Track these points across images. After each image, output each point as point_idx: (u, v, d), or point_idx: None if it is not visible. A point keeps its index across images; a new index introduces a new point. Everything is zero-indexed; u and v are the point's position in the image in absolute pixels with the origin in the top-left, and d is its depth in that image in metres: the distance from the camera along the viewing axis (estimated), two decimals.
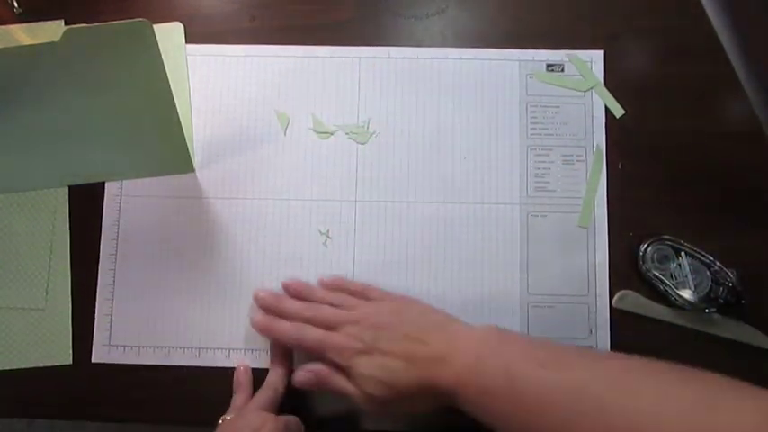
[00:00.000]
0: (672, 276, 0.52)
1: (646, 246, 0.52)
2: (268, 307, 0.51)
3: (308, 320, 0.47)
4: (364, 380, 0.44)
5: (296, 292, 0.51)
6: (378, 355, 0.44)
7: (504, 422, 0.40)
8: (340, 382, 0.45)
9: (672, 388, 0.35)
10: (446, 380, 0.42)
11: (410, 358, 0.43)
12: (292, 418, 0.47)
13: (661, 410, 0.33)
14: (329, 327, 0.46)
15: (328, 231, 0.54)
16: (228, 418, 0.47)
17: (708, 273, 0.52)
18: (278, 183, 0.55)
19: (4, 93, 0.45)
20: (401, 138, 0.55)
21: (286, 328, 0.48)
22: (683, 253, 0.52)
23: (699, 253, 0.52)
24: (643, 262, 0.52)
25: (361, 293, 0.50)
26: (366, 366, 0.44)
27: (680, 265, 0.52)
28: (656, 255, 0.52)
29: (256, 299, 0.51)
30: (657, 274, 0.52)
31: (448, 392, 0.42)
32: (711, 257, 0.52)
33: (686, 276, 0.52)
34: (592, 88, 0.56)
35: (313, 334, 0.46)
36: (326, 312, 0.48)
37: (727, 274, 0.51)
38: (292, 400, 0.50)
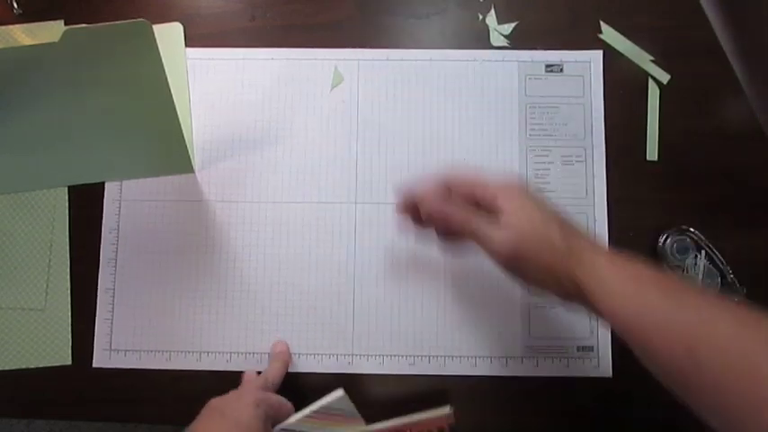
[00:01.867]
0: (684, 270, 0.52)
1: (665, 236, 0.52)
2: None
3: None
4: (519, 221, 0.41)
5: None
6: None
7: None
8: (482, 225, 0.42)
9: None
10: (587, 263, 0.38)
11: (563, 231, 0.40)
12: (283, 400, 0.47)
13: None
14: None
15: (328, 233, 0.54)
16: None
17: (719, 280, 0.52)
18: (278, 185, 0.55)
19: (5, 93, 0.45)
20: (401, 139, 0.55)
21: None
22: (703, 252, 0.52)
23: (717, 258, 0.52)
24: (663, 251, 0.52)
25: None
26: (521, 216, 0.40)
27: (696, 262, 0.52)
28: (675, 244, 0.52)
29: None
30: (674, 263, 0.52)
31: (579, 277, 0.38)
32: (728, 266, 0.52)
33: (697, 275, 0.52)
34: (590, 88, 0.56)
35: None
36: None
37: (739, 288, 0.52)
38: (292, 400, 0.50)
